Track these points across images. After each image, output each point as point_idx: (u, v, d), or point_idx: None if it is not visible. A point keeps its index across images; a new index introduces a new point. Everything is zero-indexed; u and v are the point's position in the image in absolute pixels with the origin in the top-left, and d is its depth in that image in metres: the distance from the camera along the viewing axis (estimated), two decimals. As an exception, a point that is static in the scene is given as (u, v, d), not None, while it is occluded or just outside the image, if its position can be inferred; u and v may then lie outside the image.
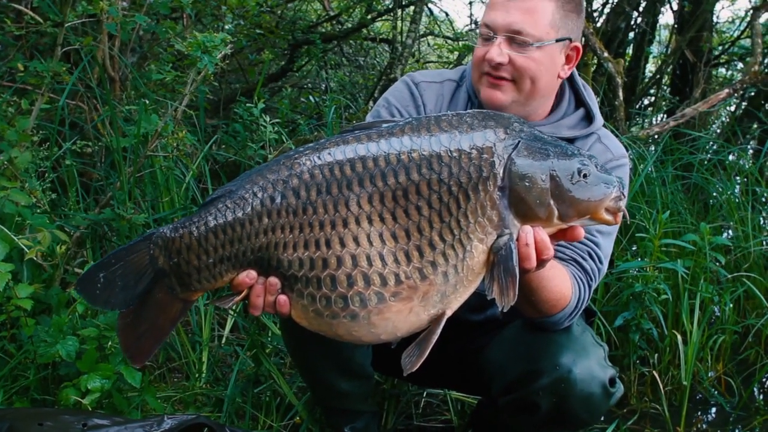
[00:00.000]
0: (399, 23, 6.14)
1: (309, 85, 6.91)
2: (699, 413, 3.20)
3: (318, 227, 1.54)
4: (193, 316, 2.98)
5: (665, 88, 6.78)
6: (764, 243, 3.84)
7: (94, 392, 2.20)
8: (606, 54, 4.73)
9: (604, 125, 2.16)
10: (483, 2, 6.62)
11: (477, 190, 1.52)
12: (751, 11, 5.44)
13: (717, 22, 6.69)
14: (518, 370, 2.02)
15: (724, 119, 6.58)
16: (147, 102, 3.10)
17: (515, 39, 1.91)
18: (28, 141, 2.58)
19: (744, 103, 6.05)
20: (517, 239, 1.55)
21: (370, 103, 5.68)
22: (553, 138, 1.62)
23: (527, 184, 1.52)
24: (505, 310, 1.53)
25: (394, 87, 2.17)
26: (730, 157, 5.04)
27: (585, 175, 1.54)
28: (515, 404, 2.05)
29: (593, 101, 2.14)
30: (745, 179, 4.50)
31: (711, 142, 5.26)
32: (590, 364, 1.96)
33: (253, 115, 3.71)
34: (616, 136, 2.66)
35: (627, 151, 3.96)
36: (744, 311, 3.69)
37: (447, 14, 7.24)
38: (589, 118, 2.12)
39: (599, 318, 3.09)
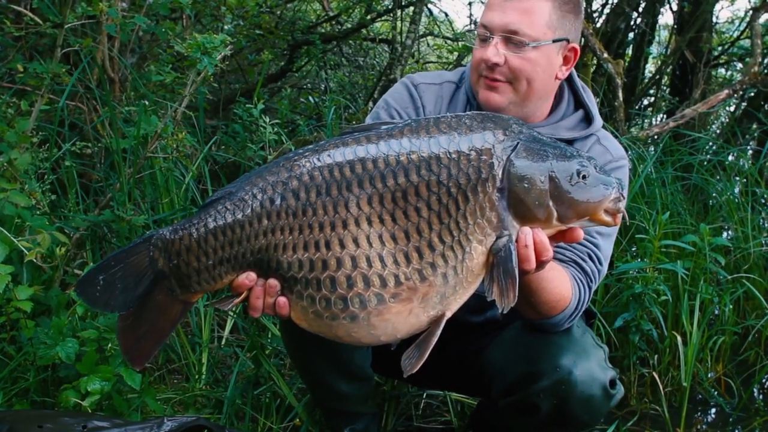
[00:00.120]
0: (398, 24, 6.14)
1: (308, 85, 6.91)
2: (699, 414, 3.20)
3: (317, 229, 1.54)
4: (193, 318, 2.98)
5: (665, 88, 6.78)
6: (764, 244, 3.83)
7: (93, 394, 2.20)
8: (605, 55, 4.73)
9: (603, 126, 2.16)
10: (482, 2, 6.62)
11: (476, 192, 1.52)
12: (751, 12, 5.44)
13: (716, 23, 6.69)
14: (518, 371, 2.02)
15: (723, 120, 6.58)
16: (147, 103, 3.10)
17: (511, 39, 1.91)
18: (27, 142, 2.58)
19: (744, 104, 6.05)
20: (517, 241, 1.55)
21: (370, 103, 5.68)
22: (552, 139, 1.62)
23: (526, 185, 1.52)
24: (504, 312, 1.53)
25: (393, 89, 2.17)
26: (730, 158, 5.04)
27: (584, 177, 1.54)
28: (515, 406, 2.05)
29: (592, 102, 2.14)
30: (745, 180, 4.50)
31: (711, 143, 5.26)
32: (591, 365, 1.96)
33: (252, 116, 3.71)
34: (616, 137, 2.66)
35: (627, 152, 3.96)
36: (744, 312, 3.69)
37: (446, 14, 7.24)
38: (588, 120, 2.12)
39: (599, 319, 3.09)
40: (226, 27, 4.08)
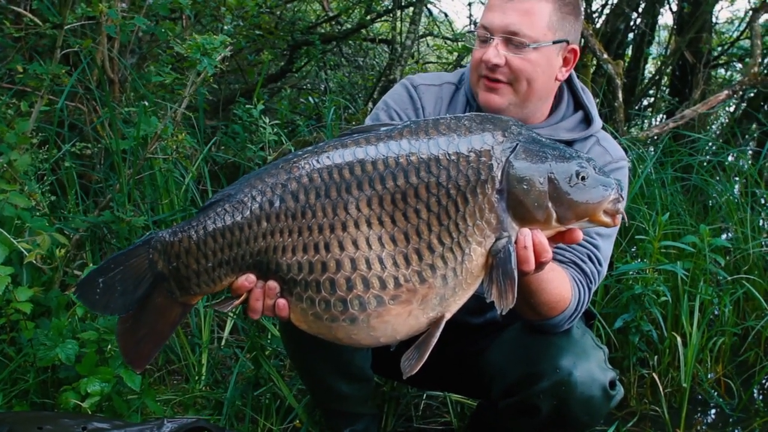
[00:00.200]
0: (398, 24, 6.14)
1: (308, 85, 6.91)
2: (699, 415, 3.20)
3: (317, 231, 1.54)
4: (193, 318, 2.98)
5: (664, 89, 6.78)
6: (764, 245, 3.83)
7: (93, 396, 2.20)
8: (605, 55, 4.73)
9: (602, 127, 2.16)
10: (482, 2, 6.62)
11: (475, 193, 1.52)
12: (751, 12, 5.44)
13: (716, 23, 6.69)
14: (518, 372, 2.02)
15: (723, 120, 6.58)
16: (146, 104, 3.10)
17: (512, 40, 1.91)
18: (27, 143, 2.58)
19: (743, 105, 6.05)
20: (516, 242, 1.55)
21: (369, 104, 5.68)
22: (551, 141, 1.62)
23: (525, 187, 1.52)
24: (503, 313, 1.53)
25: (393, 90, 2.17)
26: (730, 159, 5.04)
27: (583, 178, 1.54)
28: (515, 407, 2.05)
29: (592, 104, 2.14)
30: (745, 181, 4.50)
31: (710, 144, 5.26)
32: (590, 366, 1.96)
33: (252, 117, 3.71)
34: (615, 138, 2.67)
35: (626, 152, 3.96)
36: (743, 313, 3.69)
37: (446, 15, 7.25)
38: (587, 121, 2.12)
39: (599, 320, 3.09)
40: (225, 27, 4.08)
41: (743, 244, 3.82)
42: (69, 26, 2.88)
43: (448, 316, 1.58)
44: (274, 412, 2.63)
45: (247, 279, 1.60)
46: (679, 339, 3.10)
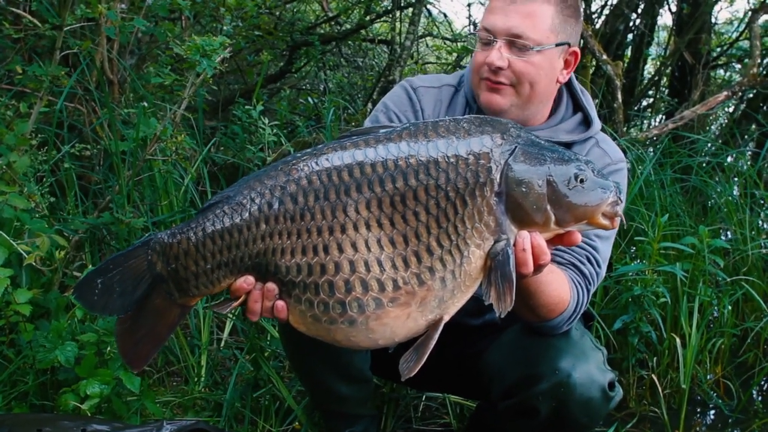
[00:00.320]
0: (398, 24, 6.15)
1: (307, 86, 6.91)
2: (698, 416, 3.20)
3: (316, 233, 1.54)
4: (192, 320, 2.98)
5: (664, 90, 6.78)
6: (763, 246, 3.83)
7: (93, 397, 2.20)
8: (605, 56, 4.74)
9: (602, 129, 2.16)
10: (481, 3, 6.62)
11: (474, 196, 1.52)
12: (750, 13, 5.44)
13: (715, 23, 6.69)
14: (517, 374, 2.02)
15: (722, 121, 6.58)
16: (146, 105, 3.10)
17: (515, 43, 1.91)
18: (26, 145, 2.58)
19: (742, 106, 6.05)
20: (514, 244, 1.55)
21: (369, 104, 5.68)
22: (550, 143, 1.62)
23: (524, 189, 1.52)
24: (502, 316, 1.53)
25: (392, 92, 2.18)
26: (729, 160, 5.04)
27: (582, 180, 1.54)
28: (515, 409, 2.05)
29: (591, 105, 2.14)
30: (744, 182, 4.50)
31: (709, 145, 5.26)
32: (589, 368, 1.96)
33: (251, 117, 3.71)
34: (615, 139, 2.67)
35: (625, 153, 3.96)
36: (743, 314, 3.69)
37: (446, 15, 7.26)
38: (587, 123, 2.12)
39: (598, 321, 3.09)
40: (225, 28, 4.08)
41: (742, 245, 3.82)
42: (68, 27, 2.88)
43: (446, 318, 1.58)
44: (273, 414, 2.63)
45: (246, 281, 1.60)
46: (678, 340, 3.11)
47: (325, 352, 2.08)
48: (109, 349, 2.31)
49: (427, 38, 7.28)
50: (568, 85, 2.12)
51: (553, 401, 1.95)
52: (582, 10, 2.06)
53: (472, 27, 6.55)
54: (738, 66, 6.79)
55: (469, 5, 6.52)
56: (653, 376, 3.10)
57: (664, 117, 6.45)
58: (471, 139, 1.55)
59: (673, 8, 6.29)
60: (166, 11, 3.50)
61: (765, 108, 5.88)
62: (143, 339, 1.67)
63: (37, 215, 2.59)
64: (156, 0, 3.41)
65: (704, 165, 4.75)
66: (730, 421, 3.12)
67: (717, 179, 4.60)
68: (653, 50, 6.94)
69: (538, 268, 1.59)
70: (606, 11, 6.26)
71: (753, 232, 3.94)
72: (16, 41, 3.25)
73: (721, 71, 7.15)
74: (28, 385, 2.35)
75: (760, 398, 3.36)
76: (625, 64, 6.11)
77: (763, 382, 3.45)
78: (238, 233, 1.58)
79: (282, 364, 2.90)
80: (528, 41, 1.90)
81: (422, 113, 2.10)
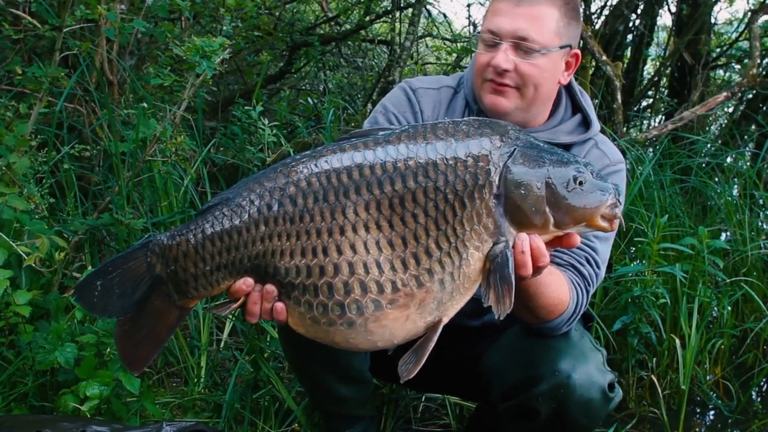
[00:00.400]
0: (397, 25, 6.14)
1: (307, 86, 6.91)
2: (697, 417, 3.21)
3: (315, 235, 1.54)
4: (192, 321, 2.99)
5: (663, 90, 6.77)
6: (762, 246, 3.84)
7: (92, 399, 2.20)
8: (604, 57, 4.73)
9: (601, 130, 2.16)
10: (481, 3, 6.63)
11: (473, 198, 1.53)
12: (749, 14, 5.44)
13: (715, 23, 6.69)
14: (517, 375, 2.02)
15: (722, 122, 6.58)
16: (145, 106, 3.10)
17: (521, 45, 1.91)
18: (26, 146, 2.58)
19: (742, 106, 6.05)
20: (513, 247, 1.55)
21: (369, 105, 5.68)
22: (548, 145, 1.62)
23: (523, 191, 1.53)
24: (501, 318, 1.53)
25: (391, 93, 2.18)
26: (728, 160, 5.04)
27: (581, 183, 1.54)
28: (514, 410, 2.05)
29: (590, 106, 2.14)
30: (743, 182, 4.50)
31: (709, 145, 5.26)
32: (589, 369, 1.96)
33: (251, 118, 3.71)
34: (614, 140, 2.67)
35: (625, 154, 3.95)
36: (742, 315, 3.69)
37: (445, 16, 7.26)
38: (586, 124, 2.12)
39: (597, 322, 3.09)
40: (224, 28, 4.08)
41: (742, 246, 3.82)
42: (68, 29, 2.87)
43: (445, 320, 1.58)
44: (273, 415, 2.63)
45: (245, 283, 1.60)
46: (677, 341, 3.11)
47: (324, 353, 2.08)
48: (108, 350, 2.32)
49: (427, 39, 7.28)
50: (567, 86, 2.12)
51: (552, 402, 1.95)
52: (581, 11, 2.06)
53: (472, 28, 6.55)
54: (737, 67, 6.78)
55: (468, 6, 6.52)
56: (653, 376, 3.10)
57: (663, 118, 6.44)
58: (470, 141, 1.55)
59: (673, 9, 6.29)
60: (165, 12, 3.51)
61: (764, 109, 5.87)
62: (142, 341, 1.67)
63: (36, 216, 2.59)
64: (156, 1, 3.42)
65: (704, 166, 4.75)
66: (729, 421, 3.12)
67: (716, 180, 4.60)
68: (653, 51, 6.93)
69: (537, 270, 1.59)
70: (605, 12, 6.26)
71: (752, 233, 3.94)
72: (15, 42, 3.25)
73: (721, 72, 7.15)
74: (27, 386, 2.35)
75: (759, 399, 3.36)
76: (625, 65, 6.11)
77: (762, 383, 3.46)
78: (238, 235, 1.58)
79: (282, 365, 2.90)
80: (534, 44, 1.91)
81: (421, 115, 2.11)
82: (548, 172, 1.53)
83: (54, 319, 2.44)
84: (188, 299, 1.66)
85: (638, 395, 3.17)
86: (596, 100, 4.95)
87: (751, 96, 5.80)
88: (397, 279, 1.52)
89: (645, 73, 6.88)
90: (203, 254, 1.60)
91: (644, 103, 6.92)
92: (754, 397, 3.34)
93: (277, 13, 5.98)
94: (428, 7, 6.42)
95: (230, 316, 3.07)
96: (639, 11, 6.27)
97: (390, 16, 6.21)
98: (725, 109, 6.33)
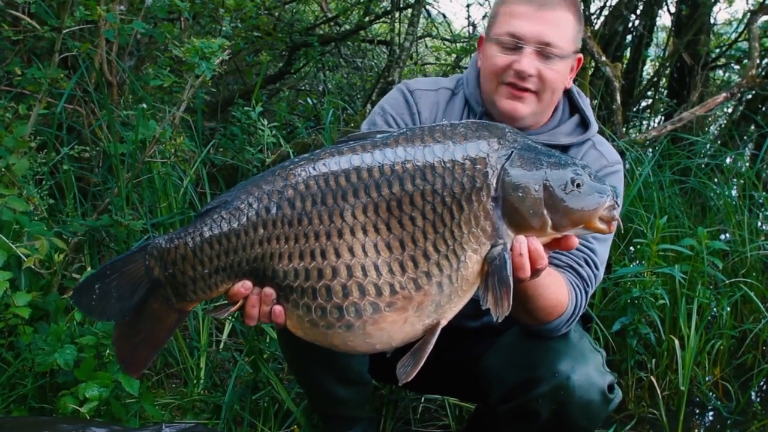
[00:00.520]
0: (397, 25, 6.14)
1: (306, 87, 6.91)
2: (696, 418, 3.21)
3: (313, 238, 1.54)
4: (192, 322, 2.99)
5: (663, 91, 6.77)
6: (761, 247, 3.84)
7: (92, 400, 2.20)
8: (603, 58, 4.73)
9: (600, 130, 2.16)
10: (480, 4, 6.62)
11: (470, 201, 1.53)
12: (749, 14, 5.43)
13: (714, 24, 6.69)
14: (516, 377, 2.02)
15: (721, 123, 6.58)
16: (145, 107, 3.10)
17: (544, 51, 1.92)
18: (25, 147, 2.58)
19: (741, 107, 6.04)
20: (511, 249, 1.55)
21: (368, 105, 5.68)
22: (546, 148, 1.62)
23: (520, 194, 1.53)
24: (499, 321, 1.53)
25: (389, 95, 2.18)
26: (728, 161, 5.04)
27: (578, 185, 1.55)
28: (514, 412, 2.05)
29: (588, 107, 2.15)
30: (742, 183, 4.50)
31: (708, 146, 5.26)
32: (589, 370, 1.96)
33: (250, 119, 3.71)
34: (614, 140, 2.67)
35: (624, 155, 3.95)
36: (741, 316, 3.69)
37: (445, 16, 7.26)
38: (584, 125, 2.13)
39: (597, 323, 3.09)
40: (224, 29, 4.08)
41: (741, 246, 3.82)
42: (67, 30, 2.87)
43: (443, 323, 1.58)
44: (272, 416, 2.64)
45: (243, 286, 1.60)
46: (677, 342, 3.11)
47: (323, 355, 2.07)
48: (108, 351, 2.32)
49: (427, 39, 7.28)
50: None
51: (552, 404, 1.95)
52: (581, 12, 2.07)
53: (471, 28, 6.54)
54: (737, 67, 6.77)
55: (468, 6, 6.51)
56: (652, 377, 3.10)
57: (662, 118, 6.43)
58: (467, 144, 1.55)
59: (672, 9, 6.28)
60: (165, 12, 3.50)
61: (764, 109, 5.87)
62: (141, 344, 1.67)
63: (36, 218, 2.59)
64: (155, 1, 3.42)
65: (703, 166, 4.75)
66: (728, 422, 3.12)
67: (716, 181, 4.60)
68: (652, 51, 6.93)
69: (536, 272, 1.59)
70: (605, 12, 6.25)
71: (752, 234, 3.94)
72: (15, 43, 3.25)
73: (720, 72, 7.14)
74: (27, 388, 2.35)
75: (758, 400, 3.36)
76: (624, 66, 6.10)
77: (761, 384, 3.45)
78: (236, 238, 1.58)
79: (281, 366, 2.90)
80: (557, 49, 1.92)
81: (419, 116, 2.11)
82: (546, 174, 1.54)
83: (53, 321, 2.44)
84: (186, 302, 1.66)
85: (637, 396, 3.17)
86: (595, 101, 4.95)
87: (750, 97, 5.80)
88: (395, 282, 1.53)
89: (644, 73, 6.87)
90: (201, 257, 1.60)
91: (643, 104, 6.91)
92: (753, 397, 3.34)
93: (276, 14, 5.98)
94: (427, 7, 6.42)
95: (229, 318, 3.07)
96: (638, 12, 6.27)
97: (389, 16, 6.21)
98: (724, 110, 6.33)
